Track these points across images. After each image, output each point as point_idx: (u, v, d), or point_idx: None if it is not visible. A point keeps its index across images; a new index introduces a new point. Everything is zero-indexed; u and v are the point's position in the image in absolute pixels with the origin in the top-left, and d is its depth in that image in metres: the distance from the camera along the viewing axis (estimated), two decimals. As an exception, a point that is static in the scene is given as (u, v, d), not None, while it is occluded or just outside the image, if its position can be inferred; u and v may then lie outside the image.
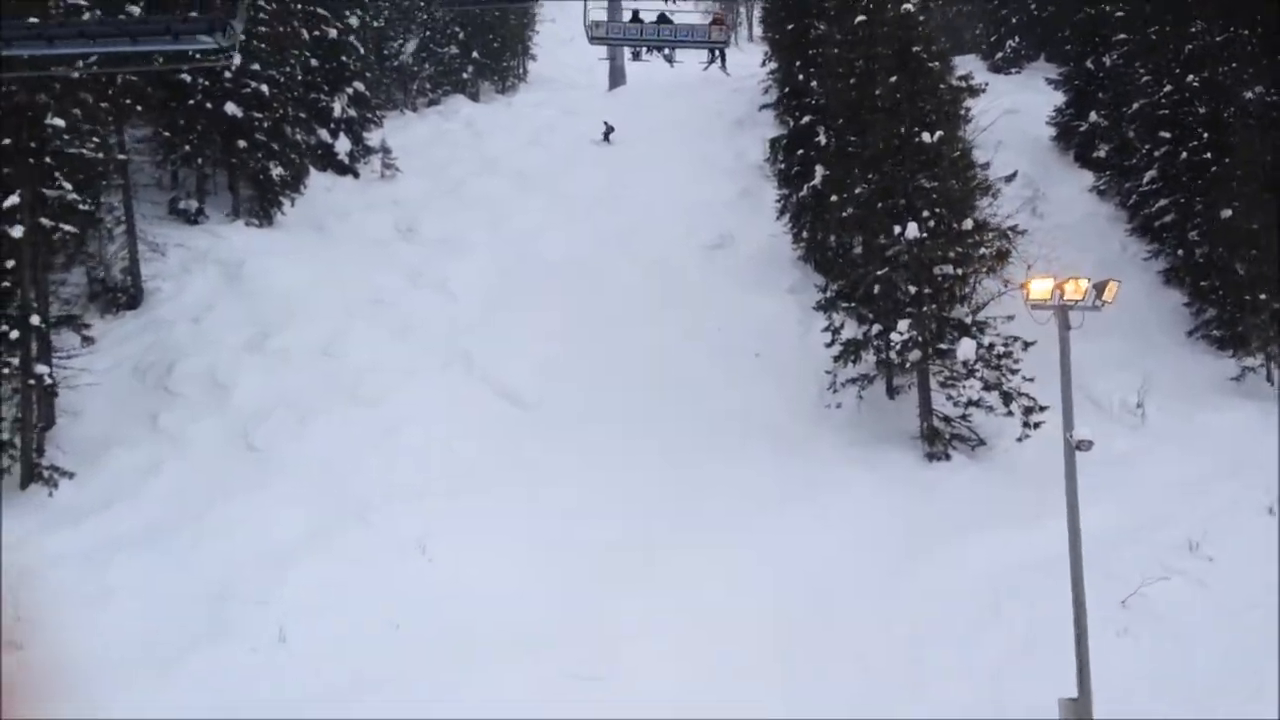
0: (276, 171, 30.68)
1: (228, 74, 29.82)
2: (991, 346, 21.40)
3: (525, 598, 17.27)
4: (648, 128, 43.37)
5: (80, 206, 22.24)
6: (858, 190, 22.61)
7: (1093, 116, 33.81)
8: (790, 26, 30.66)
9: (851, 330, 22.67)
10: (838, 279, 25.24)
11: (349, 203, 34.94)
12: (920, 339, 21.26)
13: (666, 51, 33.10)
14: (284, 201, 31.51)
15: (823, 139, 29.18)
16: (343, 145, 37.70)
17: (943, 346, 21.62)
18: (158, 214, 28.65)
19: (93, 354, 22.77)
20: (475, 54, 54.57)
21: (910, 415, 22.44)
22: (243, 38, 17.03)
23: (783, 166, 30.82)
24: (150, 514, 19.05)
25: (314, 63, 37.59)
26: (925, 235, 21.37)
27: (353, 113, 38.79)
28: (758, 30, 69.08)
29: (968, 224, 21.73)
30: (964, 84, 22.21)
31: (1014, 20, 47.31)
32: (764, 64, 42.49)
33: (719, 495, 20.19)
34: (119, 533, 18.51)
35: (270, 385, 22.34)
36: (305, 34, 36.56)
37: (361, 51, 39.89)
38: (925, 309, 21.58)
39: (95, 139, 23.61)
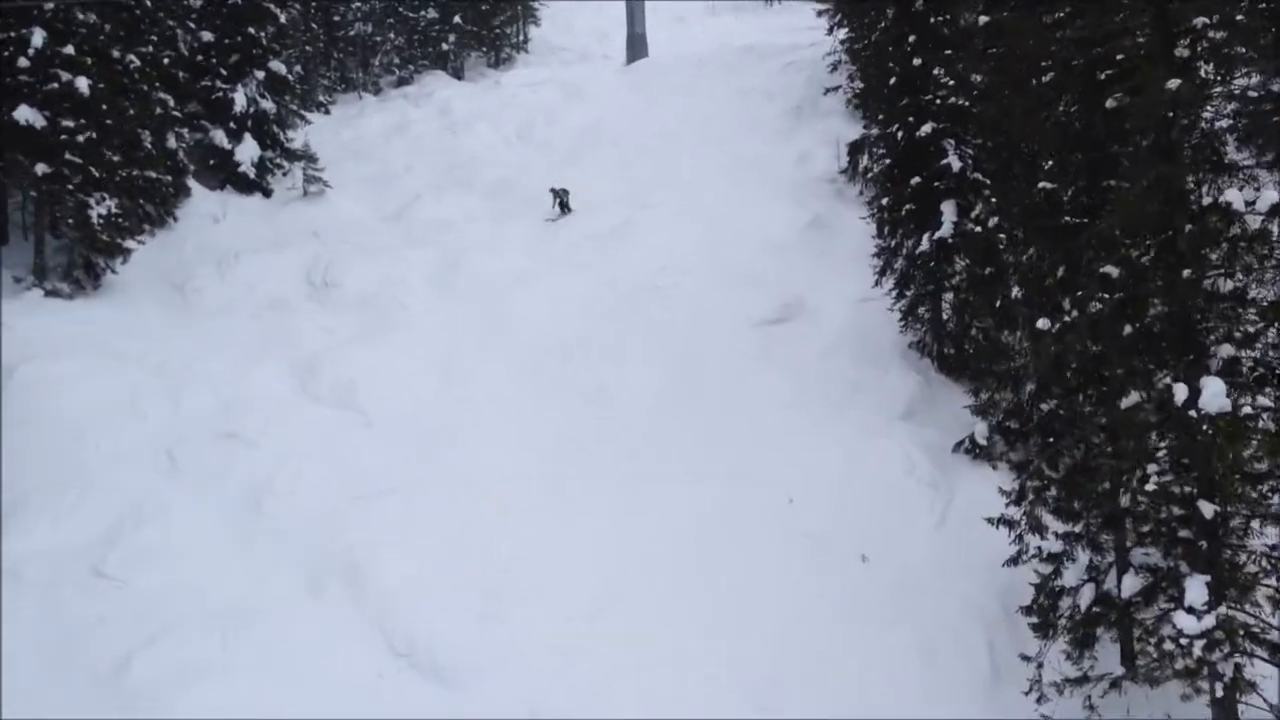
0: (100, 209, 19.82)
1: (24, 61, 19.14)
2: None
3: None
4: (674, 117, 32.48)
5: None
6: (1079, 290, 11.49)
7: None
8: (895, -20, 19.58)
9: (1072, 565, 11.64)
10: (991, 393, 14.84)
11: (245, 238, 24.22)
12: (1234, 625, 10.21)
13: None
14: (119, 251, 20.67)
15: (954, 161, 18.22)
16: (248, 151, 27.01)
17: (1273, 638, 10.55)
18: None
19: None
20: (458, 19, 43.44)
21: (1179, 726, 11.50)
22: None
23: (885, 201, 19.72)
24: None
25: (207, 36, 26.85)
26: (1239, 404, 10.29)
27: (267, 105, 28.02)
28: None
29: (1324, 377, 10.62)
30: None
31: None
32: (830, 30, 31.51)
33: None
34: None
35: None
36: (191, -5, 25.79)
37: (282, 19, 28.96)
38: (1237, 555, 10.54)
39: None
